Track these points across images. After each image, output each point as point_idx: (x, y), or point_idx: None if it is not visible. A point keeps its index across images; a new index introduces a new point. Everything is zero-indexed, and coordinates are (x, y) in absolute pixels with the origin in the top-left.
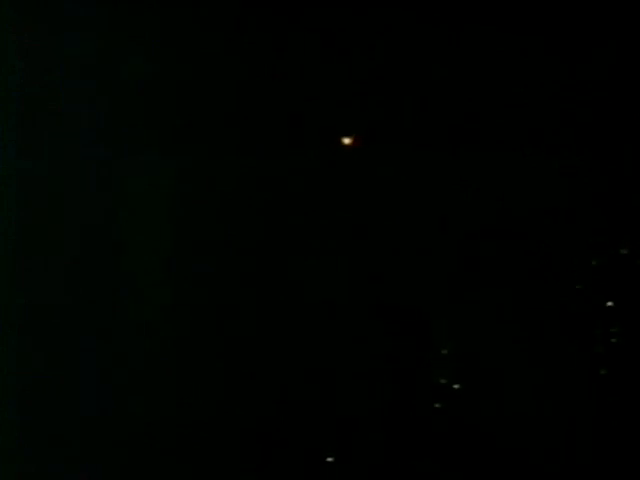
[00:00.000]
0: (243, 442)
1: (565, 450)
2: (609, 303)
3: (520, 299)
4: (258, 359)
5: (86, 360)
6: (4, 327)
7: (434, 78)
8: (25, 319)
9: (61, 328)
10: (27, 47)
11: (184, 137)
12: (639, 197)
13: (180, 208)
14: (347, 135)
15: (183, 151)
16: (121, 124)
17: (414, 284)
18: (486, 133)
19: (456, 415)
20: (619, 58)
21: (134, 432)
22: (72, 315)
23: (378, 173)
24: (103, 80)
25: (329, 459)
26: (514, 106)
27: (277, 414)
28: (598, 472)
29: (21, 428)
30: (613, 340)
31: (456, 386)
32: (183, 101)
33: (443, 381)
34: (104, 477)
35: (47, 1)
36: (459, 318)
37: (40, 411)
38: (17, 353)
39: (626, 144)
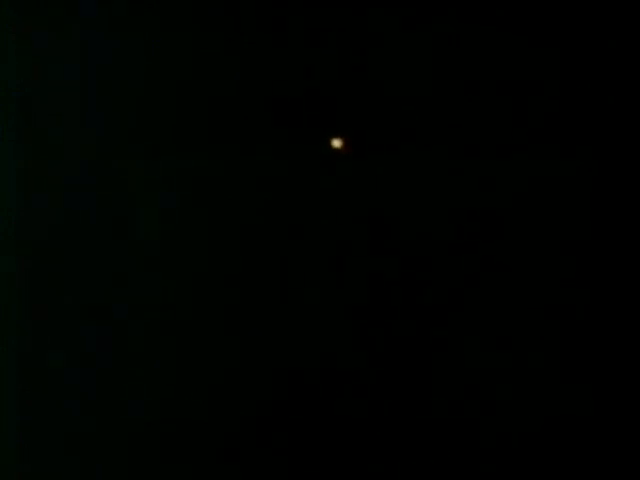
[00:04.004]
0: (242, 442)
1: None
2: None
3: (519, 301)
4: (256, 359)
5: (86, 360)
6: (4, 327)
7: (434, 79)
8: (25, 319)
9: (61, 328)
10: (27, 47)
11: (184, 137)
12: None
13: (180, 208)
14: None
15: (183, 151)
16: (121, 124)
17: (413, 289)
18: (484, 138)
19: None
20: (619, 58)
21: (135, 432)
22: (72, 315)
23: (379, 173)
24: (103, 80)
25: (327, 460)
26: (512, 109)
27: (276, 414)
28: None
29: (21, 428)
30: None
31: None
32: (183, 101)
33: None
34: (104, 477)
35: (47, 1)
36: (459, 324)
37: (40, 411)
38: (17, 353)
39: (626, 144)
